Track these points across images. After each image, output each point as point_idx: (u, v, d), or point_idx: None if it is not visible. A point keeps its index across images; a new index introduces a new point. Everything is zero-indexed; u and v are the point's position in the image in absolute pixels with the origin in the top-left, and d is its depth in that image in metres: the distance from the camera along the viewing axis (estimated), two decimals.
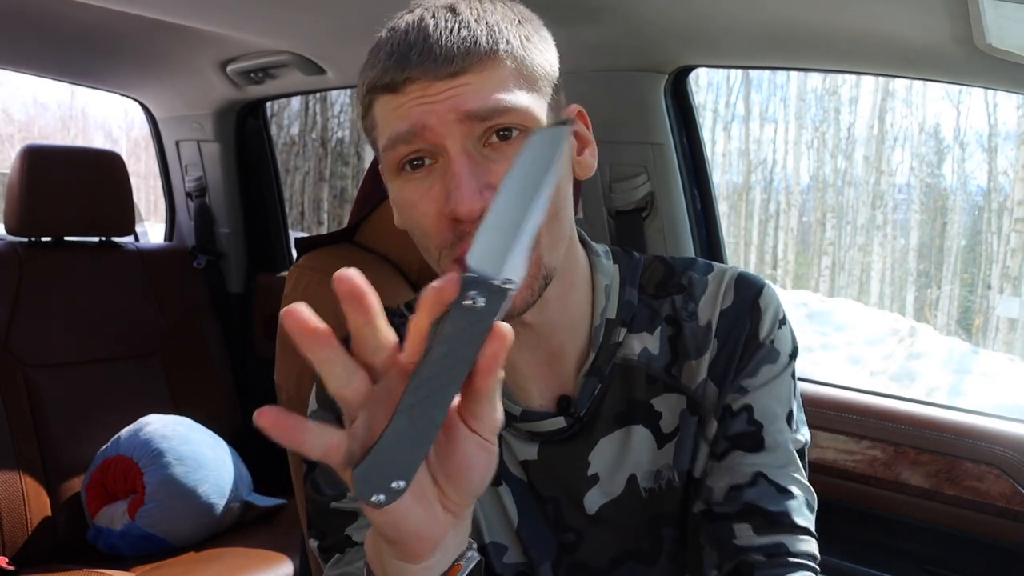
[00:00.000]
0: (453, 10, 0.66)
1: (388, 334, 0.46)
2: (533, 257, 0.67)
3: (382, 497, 0.45)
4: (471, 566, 0.56)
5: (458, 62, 0.63)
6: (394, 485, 0.45)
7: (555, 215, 0.69)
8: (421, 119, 0.64)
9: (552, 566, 0.78)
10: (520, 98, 0.65)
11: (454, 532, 0.53)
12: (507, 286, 0.44)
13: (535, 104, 0.66)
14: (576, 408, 0.76)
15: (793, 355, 0.77)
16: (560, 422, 0.76)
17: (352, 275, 0.44)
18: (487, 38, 0.64)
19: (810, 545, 0.72)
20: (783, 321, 0.77)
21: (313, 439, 0.45)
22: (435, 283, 0.44)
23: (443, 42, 0.63)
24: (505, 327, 0.45)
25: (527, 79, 0.66)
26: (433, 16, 0.65)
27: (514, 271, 0.45)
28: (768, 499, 0.71)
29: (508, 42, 0.65)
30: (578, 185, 0.79)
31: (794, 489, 0.72)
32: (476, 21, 0.65)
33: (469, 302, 0.44)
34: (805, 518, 0.72)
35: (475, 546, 0.58)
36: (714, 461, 0.75)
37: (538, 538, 0.78)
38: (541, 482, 0.78)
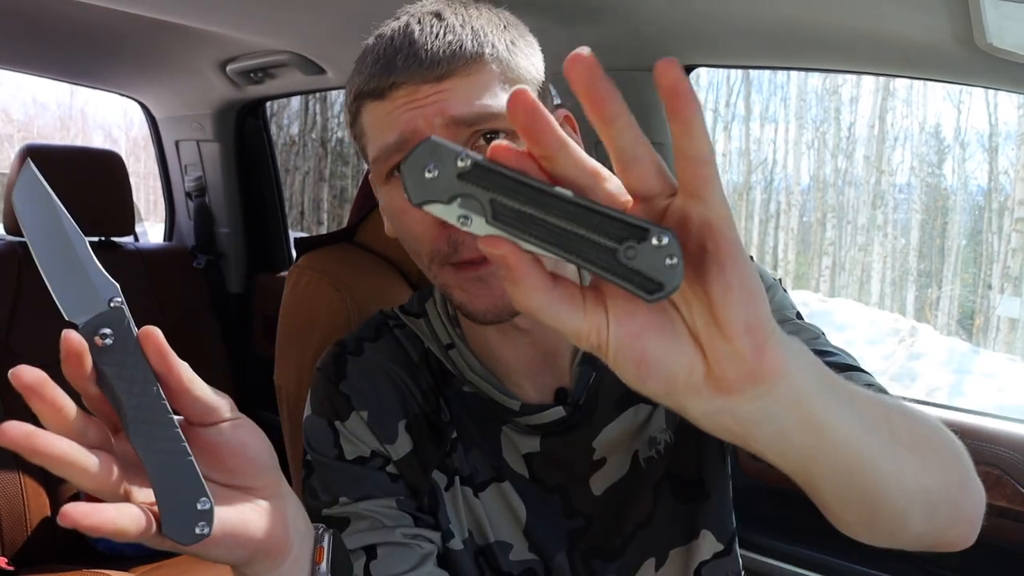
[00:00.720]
0: (439, 16, 0.66)
1: (70, 410, 0.47)
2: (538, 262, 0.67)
3: (204, 526, 0.47)
4: (329, 542, 0.58)
5: (444, 66, 0.64)
6: (199, 506, 0.47)
7: None
8: (409, 125, 0.64)
9: (567, 555, 0.79)
10: (504, 101, 0.65)
11: (292, 513, 0.55)
12: (115, 303, 0.46)
13: None
14: (573, 398, 0.76)
15: (780, 282, 0.79)
16: (559, 412, 0.76)
17: (22, 372, 0.46)
18: (472, 42, 0.65)
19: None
20: (772, 287, 0.78)
21: (124, 520, 0.45)
22: (62, 349, 0.45)
23: (429, 47, 0.64)
24: (149, 328, 0.47)
25: (512, 83, 0.66)
26: (419, 22, 0.66)
27: (104, 286, 0.47)
28: (835, 365, 0.69)
29: (493, 46, 0.66)
30: None
31: (837, 352, 0.72)
32: (461, 26, 0.65)
33: (104, 341, 0.46)
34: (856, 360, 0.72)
35: (322, 527, 0.59)
36: None
37: (548, 531, 0.79)
38: (545, 473, 0.79)
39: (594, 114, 0.35)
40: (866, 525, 0.49)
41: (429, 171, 0.35)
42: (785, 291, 0.80)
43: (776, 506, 1.49)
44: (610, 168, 0.38)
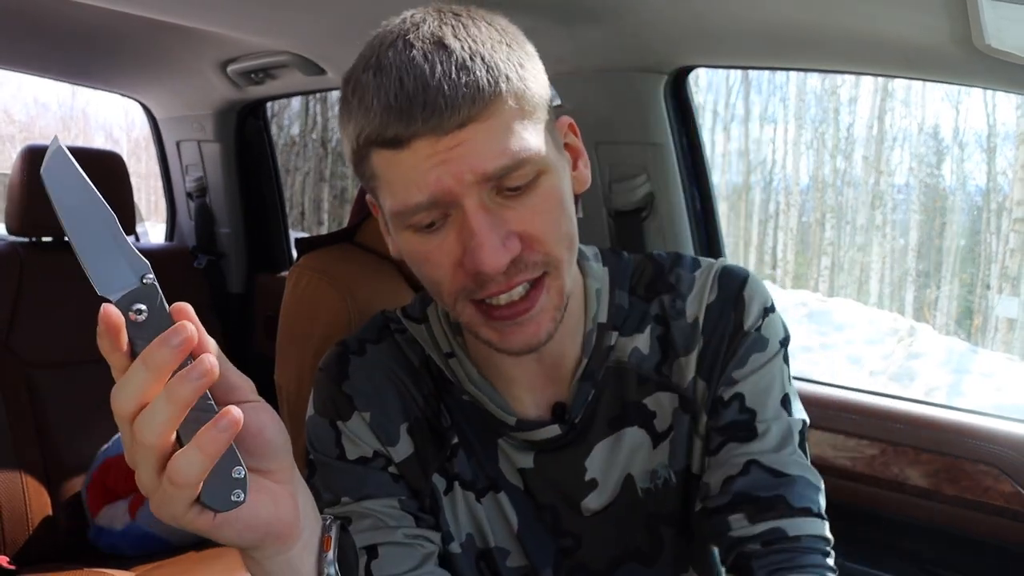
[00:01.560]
0: (442, 46, 0.62)
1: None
2: (555, 289, 0.67)
3: (240, 493, 0.49)
4: (337, 532, 0.59)
5: (464, 112, 0.60)
6: (234, 474, 0.49)
7: (571, 245, 0.68)
8: (438, 185, 0.61)
9: (553, 570, 0.79)
10: (527, 140, 0.63)
11: (303, 500, 0.56)
12: (147, 279, 0.47)
13: (540, 140, 0.65)
14: (570, 415, 0.76)
15: (784, 342, 0.76)
16: (555, 430, 0.76)
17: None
18: (487, 79, 0.61)
19: (813, 526, 0.70)
20: (770, 309, 0.76)
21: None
22: (101, 323, 0.47)
23: (446, 92, 0.60)
24: (181, 304, 0.48)
25: (528, 114, 0.64)
26: (425, 58, 0.61)
27: (136, 263, 0.48)
28: (761, 486, 0.70)
29: (508, 79, 0.62)
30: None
31: (792, 471, 0.71)
32: (471, 58, 0.61)
33: (138, 316, 0.47)
34: (807, 499, 0.70)
35: (329, 517, 0.60)
36: (709, 456, 0.75)
37: (538, 543, 0.78)
38: (538, 490, 0.78)
39: None
40: None
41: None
42: (786, 359, 0.77)
43: None
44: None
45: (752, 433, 0.73)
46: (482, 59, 0.62)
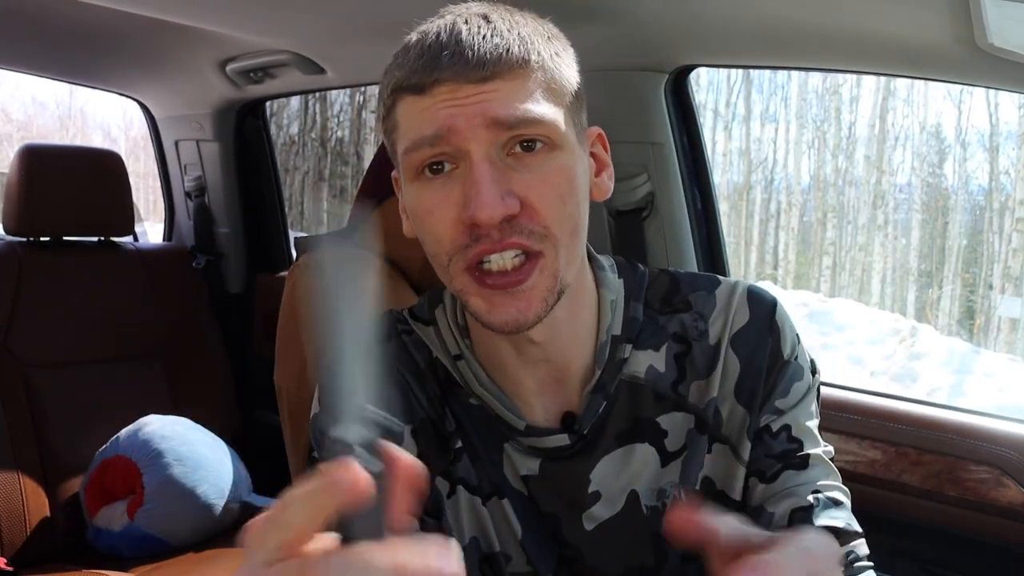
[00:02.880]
0: (486, 18, 0.66)
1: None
2: (549, 271, 0.67)
3: None
4: None
5: (489, 67, 0.63)
6: None
7: (574, 231, 0.69)
8: (448, 122, 0.63)
9: None
10: (547, 110, 0.65)
11: None
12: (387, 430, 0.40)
13: (560, 118, 0.66)
14: (580, 426, 0.75)
15: (814, 371, 0.78)
16: (563, 439, 0.75)
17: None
18: (519, 47, 0.64)
19: (865, 547, 0.74)
20: (798, 336, 0.78)
21: None
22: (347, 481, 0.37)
23: (475, 47, 0.63)
24: (399, 459, 0.40)
25: (554, 92, 0.66)
26: (466, 22, 0.65)
27: (364, 394, 0.41)
28: (830, 515, 0.72)
29: (539, 54, 0.65)
30: None
31: (841, 498, 0.74)
32: (509, 31, 0.65)
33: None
34: (856, 523, 0.74)
35: None
36: (764, 484, 0.75)
37: (540, 550, 0.78)
38: (542, 497, 0.78)
39: None
40: None
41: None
42: (818, 394, 0.79)
43: None
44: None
45: (804, 461, 0.74)
46: (519, 34, 0.65)
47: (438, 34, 0.65)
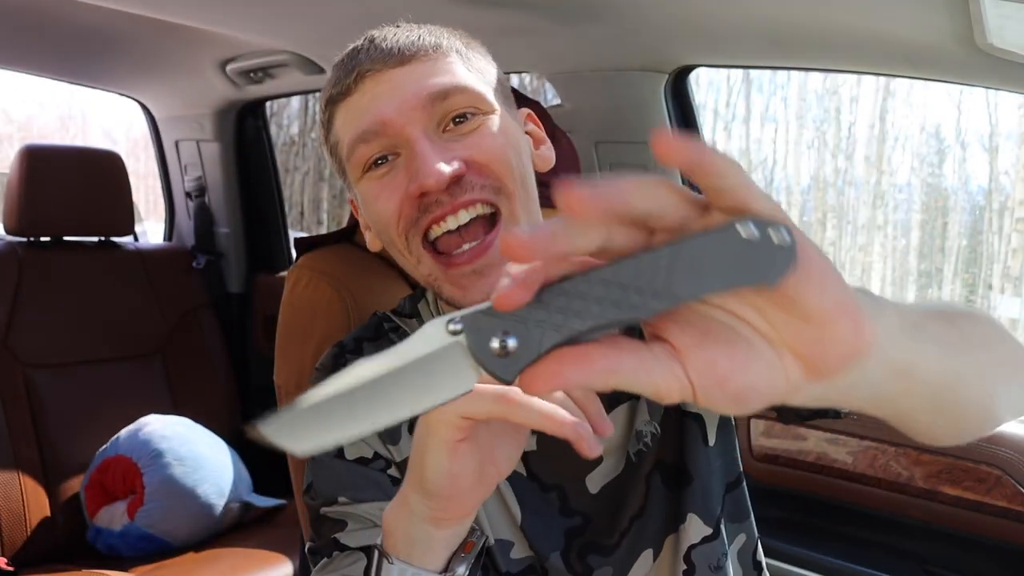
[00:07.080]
0: (398, 26, 0.72)
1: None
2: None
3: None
4: (481, 543, 0.58)
5: (405, 53, 0.68)
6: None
7: (523, 183, 0.71)
8: (379, 112, 0.67)
9: (562, 555, 0.79)
10: (470, 79, 0.69)
11: (478, 503, 0.54)
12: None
13: (485, 90, 0.70)
14: None
15: None
16: None
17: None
18: (430, 36, 0.70)
19: None
20: None
21: None
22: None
23: (389, 40, 0.69)
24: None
25: (474, 71, 0.71)
26: (379, 31, 0.71)
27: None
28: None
29: (450, 40, 0.71)
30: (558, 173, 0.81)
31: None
32: (419, 28, 0.71)
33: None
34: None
35: (480, 530, 0.59)
36: None
37: (543, 529, 0.78)
38: (543, 471, 0.78)
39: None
40: (954, 432, 0.51)
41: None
42: None
43: (776, 508, 1.49)
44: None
45: None
46: (428, 30, 0.71)
47: (354, 47, 0.71)
